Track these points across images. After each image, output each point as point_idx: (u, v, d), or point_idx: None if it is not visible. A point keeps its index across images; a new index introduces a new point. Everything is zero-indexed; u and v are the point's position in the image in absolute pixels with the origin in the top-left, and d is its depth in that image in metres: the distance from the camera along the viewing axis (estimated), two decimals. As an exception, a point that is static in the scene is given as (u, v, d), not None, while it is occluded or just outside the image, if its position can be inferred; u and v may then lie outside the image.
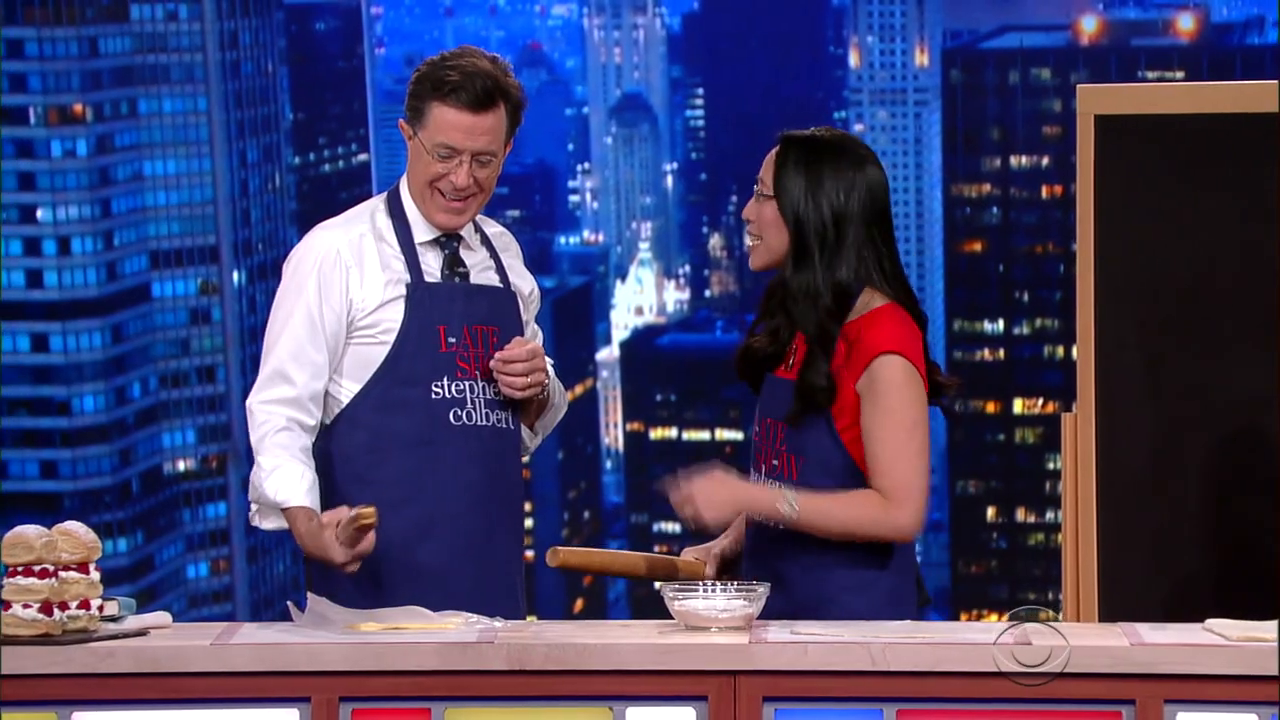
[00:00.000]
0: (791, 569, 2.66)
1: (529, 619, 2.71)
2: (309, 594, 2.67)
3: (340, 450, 2.80)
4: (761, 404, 2.72)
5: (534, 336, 2.93)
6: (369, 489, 2.77)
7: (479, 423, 2.79)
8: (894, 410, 2.60)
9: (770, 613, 2.55)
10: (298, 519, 2.72)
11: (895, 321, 2.65)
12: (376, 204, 2.89)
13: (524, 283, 2.90)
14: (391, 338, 2.79)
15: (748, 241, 2.72)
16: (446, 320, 2.80)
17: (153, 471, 52.14)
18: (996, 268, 55.60)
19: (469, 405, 2.79)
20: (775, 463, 2.67)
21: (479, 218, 2.91)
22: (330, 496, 2.80)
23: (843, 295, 2.64)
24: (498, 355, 2.79)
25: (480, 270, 2.86)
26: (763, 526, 2.69)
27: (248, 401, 2.81)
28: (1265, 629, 2.42)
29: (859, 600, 2.64)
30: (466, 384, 2.80)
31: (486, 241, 2.90)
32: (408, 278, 2.81)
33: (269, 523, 2.78)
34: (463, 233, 2.86)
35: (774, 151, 2.72)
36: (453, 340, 2.80)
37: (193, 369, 53.60)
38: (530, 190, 77.50)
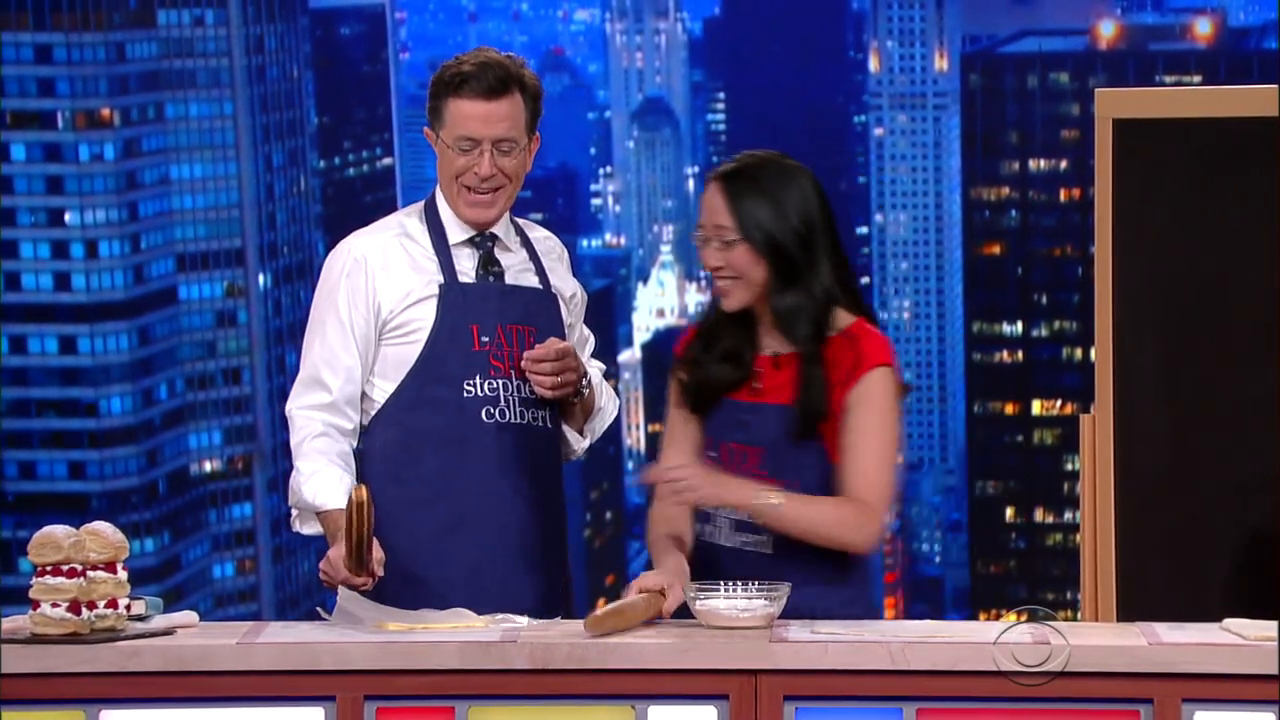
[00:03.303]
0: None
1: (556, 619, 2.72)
2: (340, 588, 2.69)
3: (375, 449, 2.83)
4: (718, 429, 2.68)
5: (585, 341, 2.95)
6: (402, 487, 2.80)
7: (513, 421, 2.81)
8: (883, 426, 2.60)
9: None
10: (334, 522, 2.73)
11: (878, 335, 2.66)
12: (411, 209, 2.93)
13: (565, 286, 2.91)
14: (423, 337, 2.82)
15: (721, 285, 2.64)
16: (480, 319, 2.82)
17: (179, 472, 52.31)
18: (1015, 270, 55.39)
19: (502, 403, 2.81)
20: None
21: (523, 222, 2.94)
22: (367, 495, 2.83)
23: (829, 306, 2.65)
24: (527, 355, 2.81)
25: (518, 271, 2.88)
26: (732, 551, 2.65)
27: (287, 408, 2.84)
28: (1283, 630, 2.43)
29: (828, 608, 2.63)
30: (500, 382, 2.82)
31: (528, 244, 2.91)
32: (440, 278, 2.83)
33: (309, 528, 2.81)
34: (499, 234, 2.88)
35: (716, 194, 2.65)
36: (486, 339, 2.82)
37: (219, 371, 53.77)
38: (553, 194, 77.54)
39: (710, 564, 2.70)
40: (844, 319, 2.67)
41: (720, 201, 2.65)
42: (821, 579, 2.64)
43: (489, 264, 2.85)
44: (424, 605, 2.67)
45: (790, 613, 2.57)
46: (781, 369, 2.66)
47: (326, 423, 2.80)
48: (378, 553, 2.68)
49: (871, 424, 2.61)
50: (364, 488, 2.62)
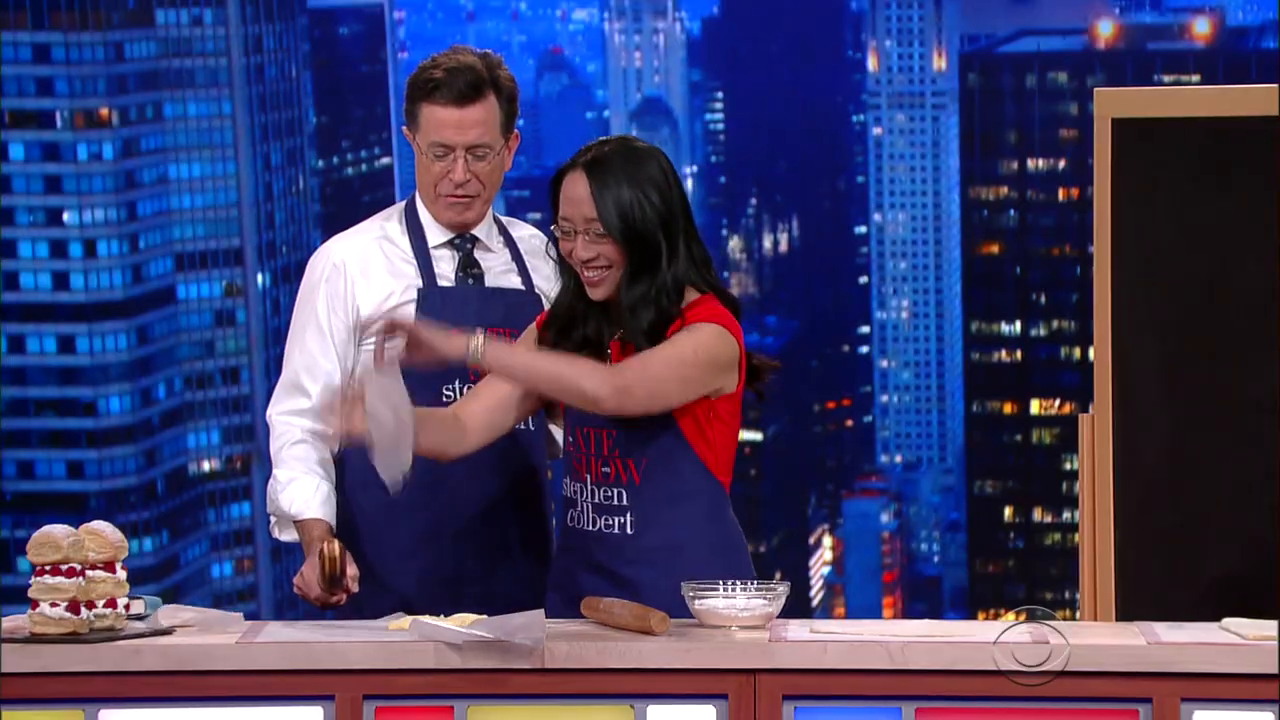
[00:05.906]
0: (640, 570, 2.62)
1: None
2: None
3: (355, 455, 2.82)
4: (577, 414, 2.65)
5: None
6: (380, 493, 2.79)
7: None
8: (682, 345, 2.57)
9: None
10: (310, 531, 2.75)
11: (718, 307, 2.65)
12: (391, 211, 2.93)
13: (549, 285, 2.89)
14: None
15: (591, 276, 2.62)
16: (459, 323, 2.80)
17: (178, 472, 52.32)
18: (1014, 270, 55.43)
19: None
20: (606, 470, 2.64)
21: (507, 220, 2.93)
22: (344, 502, 2.83)
23: (681, 292, 2.64)
24: None
25: (499, 272, 2.87)
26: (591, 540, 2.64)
27: (267, 413, 2.84)
28: (1282, 629, 2.43)
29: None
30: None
31: (511, 243, 2.90)
32: (419, 282, 2.82)
33: (287, 535, 2.81)
34: (480, 235, 2.87)
35: (581, 186, 2.60)
36: None
37: (217, 370, 53.78)
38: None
39: (576, 549, 2.69)
40: (693, 298, 2.66)
41: (586, 193, 2.61)
42: (686, 560, 2.62)
43: (468, 266, 2.84)
44: (400, 611, 2.66)
45: (649, 589, 2.57)
46: (628, 352, 2.65)
47: (305, 429, 2.79)
48: (352, 569, 2.69)
49: (674, 340, 2.59)
50: (336, 543, 2.66)
